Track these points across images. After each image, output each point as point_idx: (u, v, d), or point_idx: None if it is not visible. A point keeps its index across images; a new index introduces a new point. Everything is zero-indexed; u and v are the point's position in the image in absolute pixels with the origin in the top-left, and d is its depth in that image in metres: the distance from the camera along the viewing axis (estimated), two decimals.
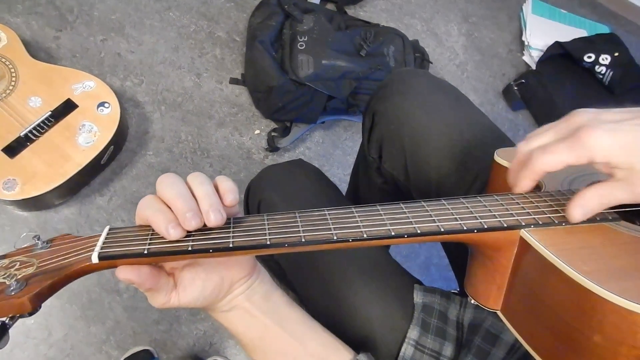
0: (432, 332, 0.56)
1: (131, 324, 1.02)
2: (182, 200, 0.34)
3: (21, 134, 1.02)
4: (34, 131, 1.03)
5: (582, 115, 0.39)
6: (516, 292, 0.39)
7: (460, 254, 0.66)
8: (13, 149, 1.01)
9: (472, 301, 0.43)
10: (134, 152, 1.17)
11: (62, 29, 1.28)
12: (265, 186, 0.66)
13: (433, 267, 1.26)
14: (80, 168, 1.02)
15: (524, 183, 0.40)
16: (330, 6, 1.51)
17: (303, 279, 0.64)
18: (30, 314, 0.33)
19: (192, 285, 0.39)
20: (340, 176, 1.28)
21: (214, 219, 0.35)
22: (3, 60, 1.10)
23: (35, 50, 1.22)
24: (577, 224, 0.38)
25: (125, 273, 0.35)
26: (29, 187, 0.98)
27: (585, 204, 0.37)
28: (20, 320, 1.10)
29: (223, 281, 0.42)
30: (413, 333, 0.56)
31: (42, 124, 1.04)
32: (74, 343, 0.99)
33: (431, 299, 0.58)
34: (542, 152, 0.38)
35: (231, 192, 0.37)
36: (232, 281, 0.43)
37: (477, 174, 0.62)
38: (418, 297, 0.58)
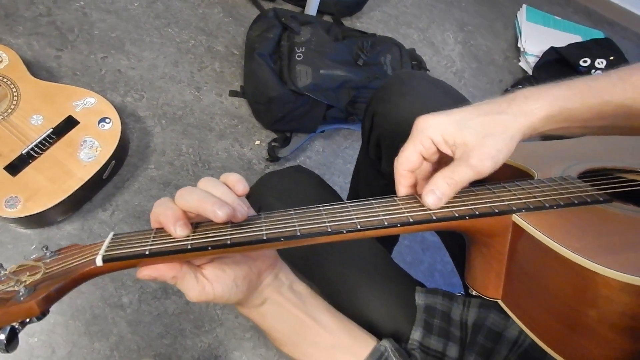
0: (435, 333, 0.56)
1: (135, 338, 1.02)
2: (206, 200, 0.36)
3: (23, 152, 1.02)
4: (35, 149, 1.04)
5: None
6: (514, 278, 0.39)
7: (462, 253, 0.65)
8: (15, 167, 1.01)
9: (474, 292, 0.43)
10: (136, 166, 1.18)
11: (63, 48, 1.30)
12: (265, 192, 0.66)
13: (437, 274, 1.26)
14: (82, 183, 1.02)
15: (400, 189, 0.44)
16: (327, 18, 1.53)
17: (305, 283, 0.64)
18: (39, 319, 0.34)
19: (223, 275, 0.40)
20: (342, 184, 1.28)
21: (240, 214, 0.36)
22: (5, 80, 1.11)
23: (36, 69, 1.24)
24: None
25: (143, 272, 0.37)
26: (31, 204, 0.99)
27: (436, 188, 0.40)
28: (23, 339, 1.10)
29: (251, 270, 0.43)
30: (416, 334, 0.55)
31: (44, 141, 1.05)
32: None
33: (433, 300, 0.58)
34: (396, 157, 0.43)
35: (240, 182, 0.39)
36: (259, 271, 0.44)
37: None
38: (420, 299, 0.58)
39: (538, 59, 1.69)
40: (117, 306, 1.04)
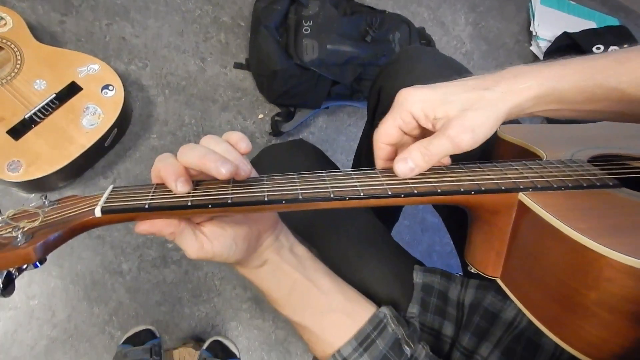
0: (431, 311, 0.56)
1: (134, 305, 1.03)
2: (209, 157, 0.35)
3: (26, 116, 1.02)
4: (38, 113, 1.03)
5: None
6: (515, 257, 0.39)
7: (463, 233, 0.65)
8: (18, 131, 1.01)
9: (473, 270, 0.43)
10: (138, 135, 1.18)
11: (68, 13, 1.28)
12: (265, 166, 0.66)
13: (435, 254, 1.26)
14: (84, 150, 1.02)
15: (377, 162, 0.43)
16: None
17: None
18: (36, 266, 0.34)
19: (223, 233, 0.40)
20: (344, 162, 1.28)
21: (243, 171, 0.36)
22: (8, 43, 1.10)
23: (40, 34, 1.22)
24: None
25: (141, 226, 0.36)
26: (33, 168, 0.99)
27: (409, 157, 0.38)
28: (24, 301, 1.10)
29: (251, 231, 0.42)
30: (412, 311, 0.56)
31: (46, 107, 1.04)
32: (77, 323, 1.00)
33: (431, 279, 0.58)
34: (376, 128, 0.42)
35: (242, 141, 0.38)
36: (259, 232, 0.44)
37: (483, 149, 0.61)
38: (418, 277, 0.58)
39: (550, 44, 1.66)
40: (116, 273, 1.05)
